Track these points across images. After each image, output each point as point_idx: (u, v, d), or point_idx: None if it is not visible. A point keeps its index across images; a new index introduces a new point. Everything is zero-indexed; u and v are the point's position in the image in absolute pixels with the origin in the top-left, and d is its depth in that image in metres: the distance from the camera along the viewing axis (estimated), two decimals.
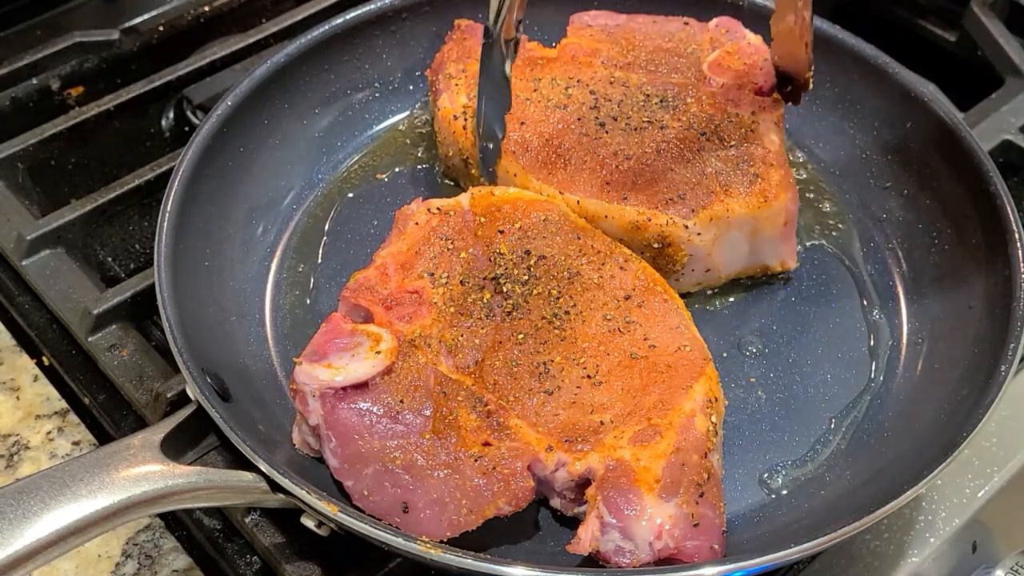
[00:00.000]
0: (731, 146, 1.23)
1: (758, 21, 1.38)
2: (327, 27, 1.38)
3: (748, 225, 1.20)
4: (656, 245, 1.18)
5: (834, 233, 1.31)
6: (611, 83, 1.30)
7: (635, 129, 1.25)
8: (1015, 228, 1.15)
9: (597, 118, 1.26)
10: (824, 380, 1.17)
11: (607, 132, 1.24)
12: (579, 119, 1.26)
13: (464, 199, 1.18)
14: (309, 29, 1.38)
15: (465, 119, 1.27)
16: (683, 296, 1.21)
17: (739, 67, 1.31)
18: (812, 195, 1.35)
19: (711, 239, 1.18)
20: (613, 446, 0.98)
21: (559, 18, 1.43)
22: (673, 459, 0.97)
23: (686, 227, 1.17)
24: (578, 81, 1.30)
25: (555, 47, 1.38)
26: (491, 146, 1.23)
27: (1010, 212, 1.17)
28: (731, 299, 1.25)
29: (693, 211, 1.17)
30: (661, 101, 1.28)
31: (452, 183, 1.36)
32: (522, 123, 1.25)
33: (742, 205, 1.19)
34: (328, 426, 0.99)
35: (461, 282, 1.10)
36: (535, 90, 1.29)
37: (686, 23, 1.38)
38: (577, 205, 1.19)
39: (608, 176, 1.20)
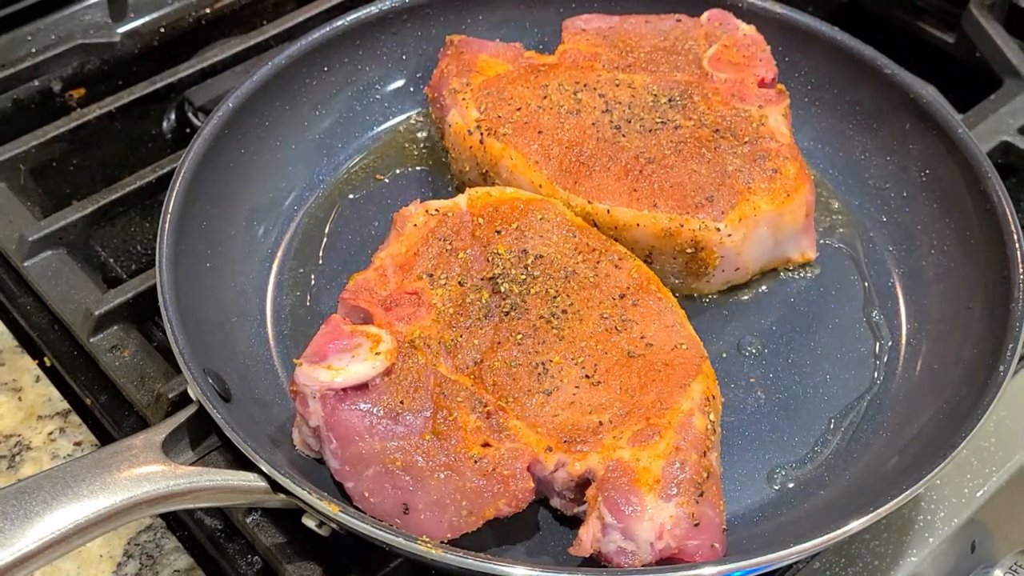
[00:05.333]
0: (745, 142, 1.24)
1: (751, 17, 1.40)
2: (328, 29, 1.38)
3: (773, 221, 1.21)
4: (689, 250, 1.18)
5: (833, 234, 1.32)
6: (617, 85, 1.30)
7: (650, 131, 1.25)
8: (1014, 229, 1.16)
9: (611, 122, 1.26)
10: (824, 381, 1.18)
11: (624, 136, 1.24)
12: (594, 124, 1.26)
13: (462, 200, 1.18)
14: (310, 31, 1.38)
15: (481, 133, 1.27)
16: (681, 296, 1.22)
17: (739, 60, 1.32)
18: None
19: (740, 239, 1.19)
20: (612, 446, 0.99)
21: (552, 24, 1.44)
22: (673, 459, 0.97)
23: (718, 230, 1.17)
24: (585, 85, 1.30)
25: (553, 53, 1.38)
26: None
27: (1009, 213, 1.17)
28: (731, 299, 1.25)
29: (723, 213, 1.18)
30: (669, 100, 1.28)
31: (454, 187, 1.36)
32: (540, 132, 1.25)
33: (767, 202, 1.20)
34: (328, 427, 0.99)
35: (460, 283, 1.11)
36: (545, 97, 1.29)
37: (679, 20, 1.39)
38: (607, 215, 1.19)
39: (634, 182, 1.20)
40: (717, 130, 1.25)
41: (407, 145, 1.42)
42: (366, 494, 0.98)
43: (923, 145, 1.30)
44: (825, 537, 0.92)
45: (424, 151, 1.41)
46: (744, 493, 1.09)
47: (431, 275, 1.11)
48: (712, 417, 1.02)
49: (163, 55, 1.61)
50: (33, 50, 1.57)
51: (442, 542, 0.95)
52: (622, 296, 1.10)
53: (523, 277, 1.11)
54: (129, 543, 1.09)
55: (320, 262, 1.28)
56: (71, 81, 1.59)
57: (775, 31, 1.39)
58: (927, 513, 1.09)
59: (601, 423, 1.01)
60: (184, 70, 1.49)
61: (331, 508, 0.92)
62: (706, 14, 1.38)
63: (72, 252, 1.28)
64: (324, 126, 1.40)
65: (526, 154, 1.23)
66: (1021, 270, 1.12)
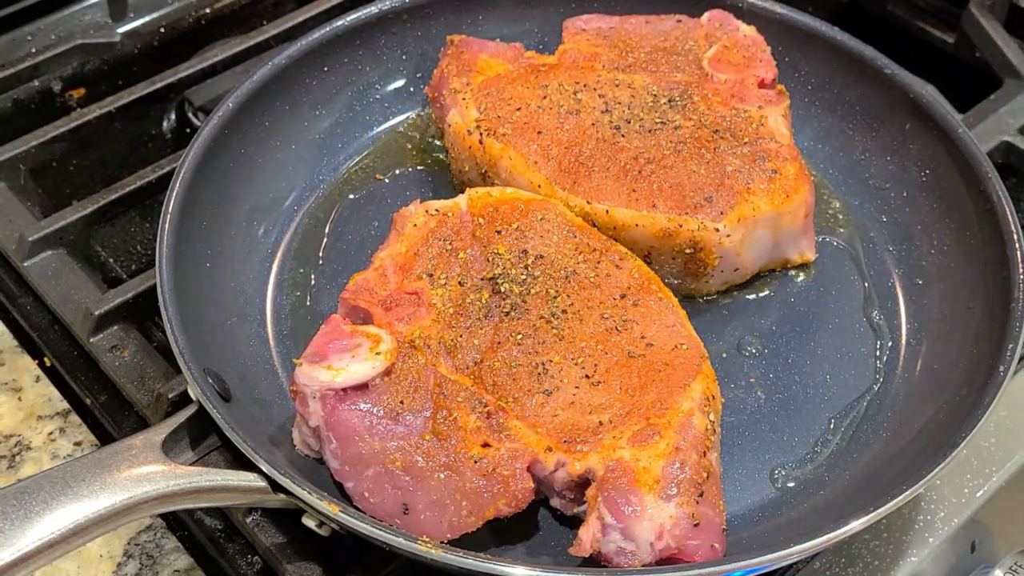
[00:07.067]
0: (745, 142, 1.24)
1: (751, 17, 1.40)
2: (328, 29, 1.38)
3: (772, 221, 1.21)
4: (688, 250, 1.18)
5: (833, 234, 1.32)
6: (617, 86, 1.30)
7: (649, 131, 1.25)
8: (1014, 229, 1.16)
9: (611, 122, 1.26)
10: (824, 380, 1.18)
11: (623, 136, 1.24)
12: (593, 124, 1.26)
13: (462, 200, 1.18)
14: (310, 31, 1.38)
15: (480, 133, 1.27)
16: (681, 296, 1.22)
17: (739, 61, 1.32)
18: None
19: (739, 239, 1.19)
20: (612, 446, 0.99)
21: (552, 24, 1.44)
22: (673, 459, 0.97)
23: (717, 230, 1.17)
24: (585, 85, 1.30)
25: (553, 53, 1.38)
26: None
27: (1009, 213, 1.17)
28: (731, 300, 1.25)
29: (722, 213, 1.18)
30: (669, 101, 1.28)
31: (454, 187, 1.36)
32: (539, 132, 1.25)
33: (766, 203, 1.19)
34: (328, 427, 0.99)
35: (460, 283, 1.11)
36: (544, 97, 1.29)
37: (679, 20, 1.39)
38: (606, 215, 1.19)
39: (633, 183, 1.20)
40: (717, 131, 1.25)
41: (407, 145, 1.42)
42: (366, 494, 0.98)
43: (923, 145, 1.30)
44: (825, 537, 0.92)
45: (424, 151, 1.41)
46: (744, 493, 1.09)
47: (431, 275, 1.11)
48: (712, 417, 1.02)
49: (163, 55, 1.61)
50: (33, 50, 1.57)
51: (442, 542, 0.95)
52: (623, 296, 1.10)
53: (523, 277, 1.11)
54: (129, 543, 1.09)
55: (320, 262, 1.28)
56: (71, 81, 1.59)
57: (775, 31, 1.39)
58: (927, 513, 1.09)
59: (601, 423, 1.01)
60: (184, 70, 1.49)
61: (331, 508, 0.92)
62: (706, 15, 1.38)
63: (72, 252, 1.28)
64: (324, 126, 1.40)
65: (525, 154, 1.23)
66: (1021, 270, 1.12)
